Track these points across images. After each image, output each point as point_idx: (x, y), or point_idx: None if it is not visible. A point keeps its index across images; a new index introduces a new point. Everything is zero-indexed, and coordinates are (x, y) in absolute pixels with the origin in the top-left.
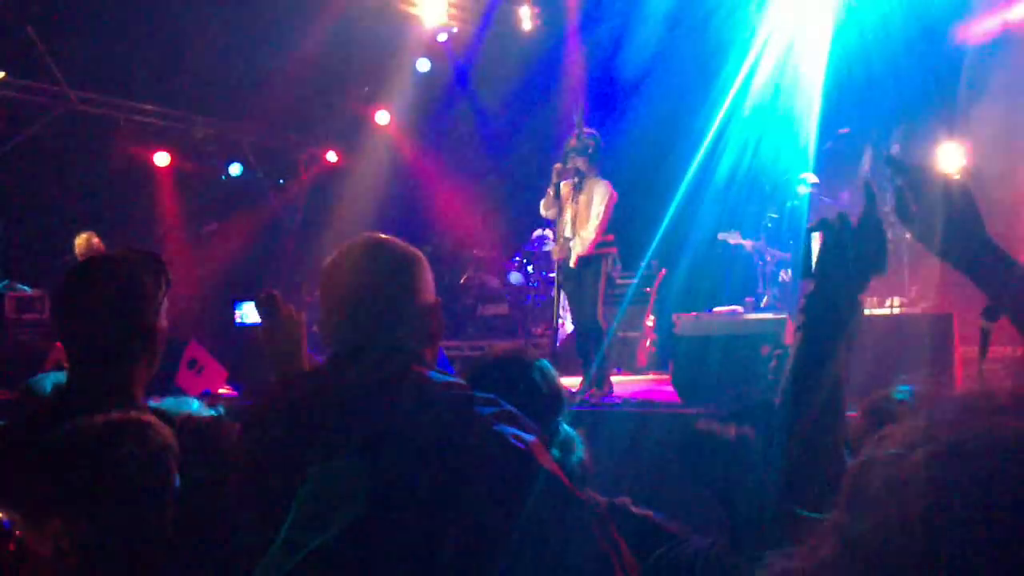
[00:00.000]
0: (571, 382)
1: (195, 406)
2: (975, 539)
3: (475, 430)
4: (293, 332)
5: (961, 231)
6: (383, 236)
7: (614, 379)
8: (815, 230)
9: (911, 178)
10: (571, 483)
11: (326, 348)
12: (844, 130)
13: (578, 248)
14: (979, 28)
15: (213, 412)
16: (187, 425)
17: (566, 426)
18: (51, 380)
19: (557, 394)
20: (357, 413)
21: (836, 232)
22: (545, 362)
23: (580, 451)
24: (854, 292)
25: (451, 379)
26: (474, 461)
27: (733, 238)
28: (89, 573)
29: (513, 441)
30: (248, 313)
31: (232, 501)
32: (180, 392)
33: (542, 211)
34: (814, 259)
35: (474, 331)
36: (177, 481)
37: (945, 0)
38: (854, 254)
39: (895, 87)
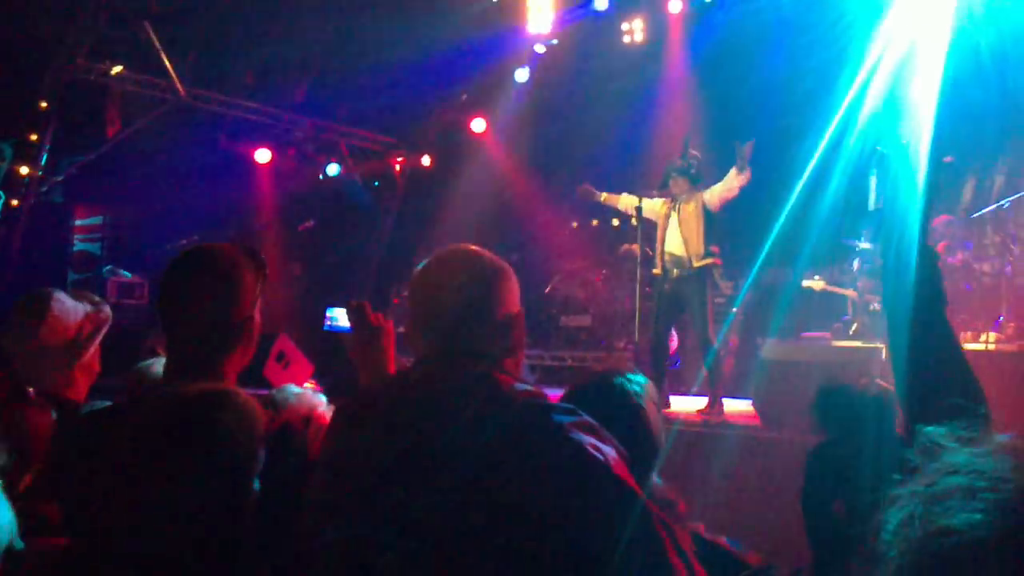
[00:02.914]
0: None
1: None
2: None
3: (552, 438)
4: (381, 340)
5: None
6: (471, 247)
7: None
8: (873, 166)
9: None
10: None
11: (413, 354)
12: (948, 159)
13: (693, 258)
14: None
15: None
16: (275, 418)
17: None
18: (161, 364)
19: (654, 442)
20: (438, 418)
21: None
22: (639, 387)
23: (666, 493)
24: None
25: (531, 388)
26: (549, 469)
27: (817, 284)
28: (174, 540)
29: (591, 451)
30: (339, 317)
31: (312, 496)
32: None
33: (620, 206)
34: (872, 196)
35: (556, 342)
36: (263, 459)
37: None
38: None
39: (1002, 115)
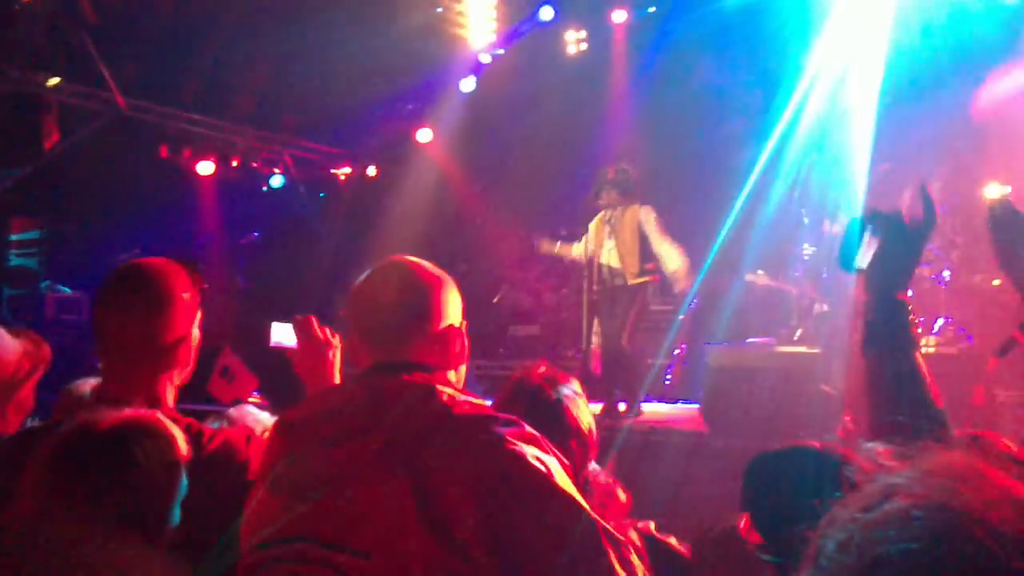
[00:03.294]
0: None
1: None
2: None
3: (493, 449)
4: (328, 354)
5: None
6: (411, 259)
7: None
8: (867, 222)
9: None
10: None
11: (353, 366)
12: (885, 167)
13: (628, 275)
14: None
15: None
16: (214, 436)
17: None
18: (91, 384)
19: (585, 438)
20: (376, 431)
21: (895, 229)
22: (572, 395)
23: (605, 484)
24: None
25: (473, 400)
26: (491, 481)
27: (760, 279)
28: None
29: (533, 462)
30: (282, 334)
31: (250, 512)
32: (211, 399)
33: (574, 254)
34: (861, 252)
35: (505, 351)
36: (182, 487)
37: (988, 44)
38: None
39: (937, 123)
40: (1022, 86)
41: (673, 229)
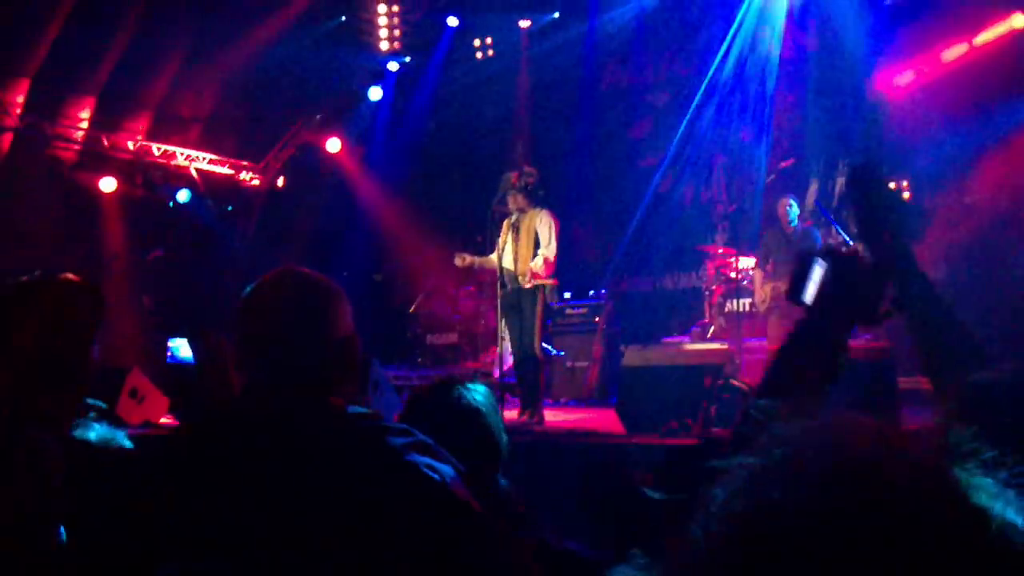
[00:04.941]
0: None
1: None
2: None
3: (387, 460)
4: (222, 362)
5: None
6: (298, 269)
7: (563, 409)
8: (820, 257)
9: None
10: (493, 515)
11: (242, 381)
12: (787, 163)
13: (525, 279)
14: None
15: (122, 435)
16: (97, 455)
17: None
18: None
19: (494, 441)
20: (269, 446)
21: (848, 268)
22: (479, 395)
23: (503, 482)
24: (846, 333)
25: (365, 411)
26: (385, 491)
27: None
28: None
29: (426, 471)
30: (181, 348)
31: (140, 528)
32: (119, 421)
33: (492, 262)
34: (810, 287)
35: (424, 360)
36: (63, 505)
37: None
38: (857, 300)
39: (838, 120)
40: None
41: (581, 232)
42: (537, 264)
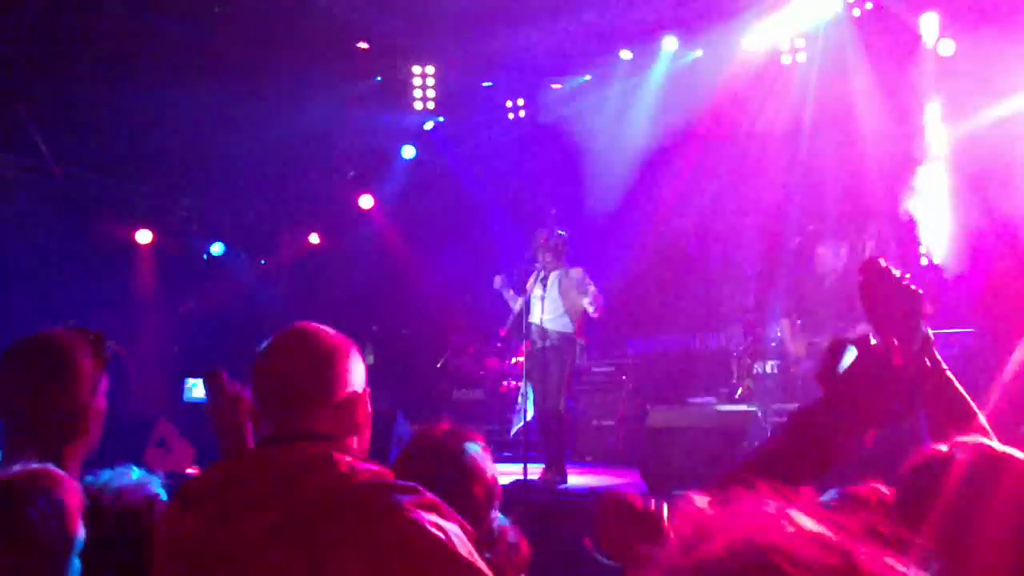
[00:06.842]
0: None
1: (135, 475)
2: None
3: (392, 517)
4: (237, 409)
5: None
6: (313, 325)
7: (588, 469)
8: (853, 345)
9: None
10: (500, 567)
11: (257, 434)
12: (816, 226)
13: (556, 337)
14: None
15: (156, 481)
16: (114, 505)
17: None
18: None
19: (489, 485)
20: (274, 500)
21: (876, 362)
22: (475, 447)
23: (512, 536)
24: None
25: (373, 467)
26: (389, 549)
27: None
28: None
29: (432, 530)
30: (195, 388)
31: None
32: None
33: (515, 306)
34: (840, 368)
35: (449, 416)
36: (79, 539)
37: None
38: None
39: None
40: None
41: (608, 291)
42: (585, 302)
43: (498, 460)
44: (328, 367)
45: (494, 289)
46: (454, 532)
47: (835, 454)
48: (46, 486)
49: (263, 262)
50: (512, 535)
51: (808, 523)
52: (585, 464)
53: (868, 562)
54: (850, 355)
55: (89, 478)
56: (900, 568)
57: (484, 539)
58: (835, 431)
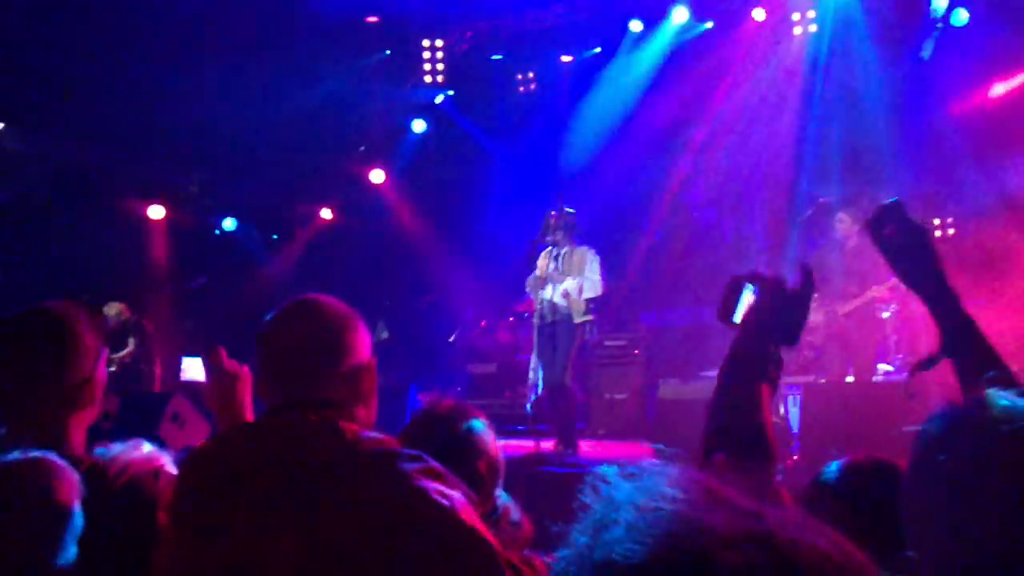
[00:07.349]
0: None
1: (146, 448)
2: None
3: (397, 485)
4: (237, 387)
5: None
6: (317, 297)
7: (600, 442)
8: (747, 282)
9: (889, 211)
10: (503, 544)
11: (265, 404)
12: (826, 199)
13: (573, 313)
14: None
15: (167, 456)
16: (120, 475)
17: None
18: None
19: (492, 462)
20: (281, 468)
21: (772, 294)
22: (480, 424)
23: (515, 514)
24: (767, 348)
25: (378, 436)
26: (395, 516)
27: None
28: None
29: (437, 497)
30: (193, 368)
31: (160, 550)
32: (161, 444)
33: (528, 289)
34: (740, 309)
35: (462, 390)
36: (77, 524)
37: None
38: (780, 321)
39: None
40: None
41: (619, 265)
42: (571, 286)
43: (510, 434)
44: (335, 336)
45: (506, 267)
46: (459, 500)
47: (769, 374)
48: (37, 474)
49: (275, 237)
50: (515, 513)
51: (719, 489)
52: (598, 437)
53: (783, 528)
54: (747, 292)
55: (100, 450)
56: (812, 527)
57: (487, 516)
58: (758, 359)
